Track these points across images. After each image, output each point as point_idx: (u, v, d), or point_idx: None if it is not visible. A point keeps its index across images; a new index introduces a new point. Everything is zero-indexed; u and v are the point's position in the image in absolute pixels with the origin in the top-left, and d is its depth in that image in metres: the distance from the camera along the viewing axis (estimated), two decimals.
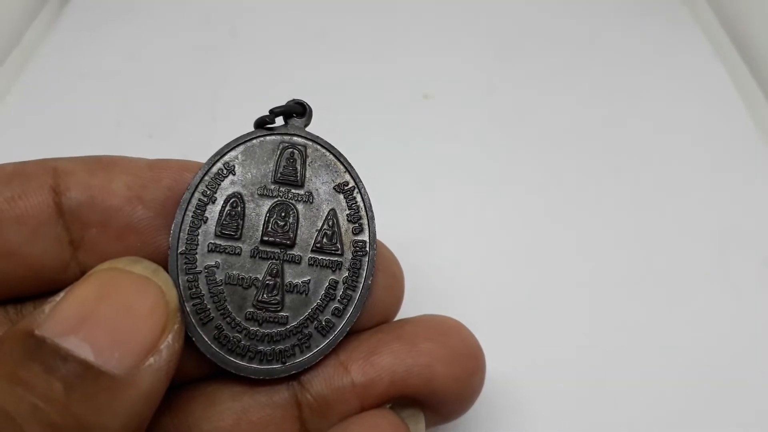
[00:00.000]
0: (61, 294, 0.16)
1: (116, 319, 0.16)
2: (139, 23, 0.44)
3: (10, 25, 0.43)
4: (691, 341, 0.28)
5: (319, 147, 0.22)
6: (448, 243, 0.32)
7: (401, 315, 0.22)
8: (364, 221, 0.21)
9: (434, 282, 0.30)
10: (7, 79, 0.40)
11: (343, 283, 0.21)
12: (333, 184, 0.21)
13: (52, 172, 0.19)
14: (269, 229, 0.20)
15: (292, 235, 0.21)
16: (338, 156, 0.22)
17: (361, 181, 0.21)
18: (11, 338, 0.15)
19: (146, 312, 0.17)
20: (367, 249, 0.21)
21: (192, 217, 0.20)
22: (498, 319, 0.29)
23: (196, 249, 0.20)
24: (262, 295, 0.20)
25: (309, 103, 0.22)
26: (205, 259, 0.20)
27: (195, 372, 0.20)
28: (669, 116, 0.38)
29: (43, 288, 0.20)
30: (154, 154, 0.21)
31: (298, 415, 0.20)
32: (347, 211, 0.21)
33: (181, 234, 0.20)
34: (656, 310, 0.30)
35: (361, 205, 0.21)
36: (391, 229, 0.24)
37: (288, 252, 0.20)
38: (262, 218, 0.21)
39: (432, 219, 0.33)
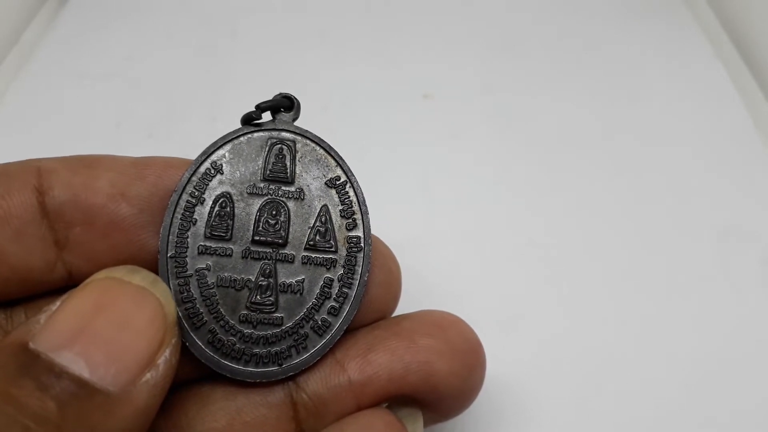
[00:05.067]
0: (57, 303, 0.16)
1: (113, 333, 0.15)
2: (139, 23, 0.44)
3: (8, 24, 0.43)
4: (692, 341, 0.28)
5: (308, 141, 0.21)
6: (447, 242, 0.32)
7: (398, 313, 0.22)
8: (358, 216, 0.21)
9: (432, 281, 0.30)
10: (6, 79, 0.40)
11: (339, 281, 0.20)
12: (324, 179, 0.21)
13: (35, 172, 0.19)
14: (260, 228, 0.20)
15: (283, 234, 0.20)
16: (328, 150, 0.21)
17: (353, 175, 0.21)
18: (4, 350, 0.15)
19: (144, 325, 0.16)
20: (362, 245, 0.20)
21: (180, 219, 0.20)
22: (497, 317, 0.29)
23: (185, 252, 0.20)
24: (256, 296, 0.20)
25: (297, 97, 0.21)
26: (195, 262, 0.20)
27: (189, 374, 0.20)
28: (669, 116, 0.38)
29: (31, 290, 0.20)
30: (154, 154, 0.21)
31: (294, 415, 0.20)
32: (340, 207, 0.21)
33: (170, 237, 0.20)
34: (656, 310, 0.29)
35: (354, 199, 0.21)
36: (388, 227, 0.24)
37: (280, 251, 0.20)
38: (253, 217, 0.20)
39: (430, 218, 0.33)
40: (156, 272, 0.19)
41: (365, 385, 0.19)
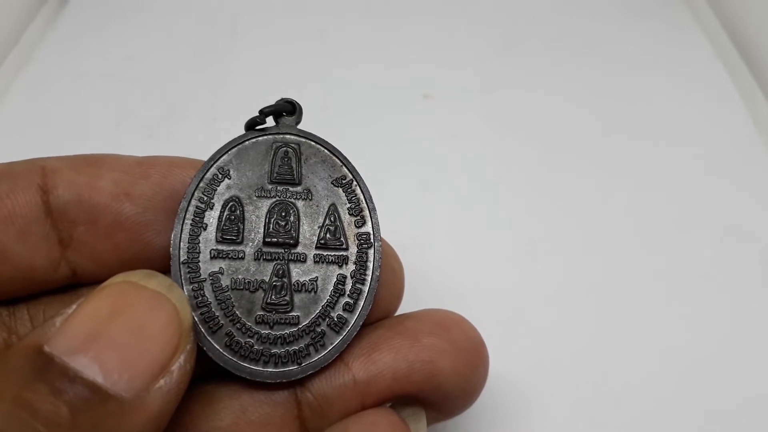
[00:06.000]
0: (73, 307, 0.16)
1: (127, 338, 0.15)
2: (139, 23, 0.44)
3: (8, 24, 0.43)
4: (692, 340, 0.28)
5: (312, 143, 0.21)
6: (447, 241, 0.32)
7: (401, 312, 0.22)
8: (366, 213, 0.21)
9: (432, 280, 0.30)
10: (6, 79, 0.40)
11: (352, 277, 0.20)
12: (331, 179, 0.21)
13: (39, 171, 0.19)
14: (271, 229, 0.20)
15: (294, 234, 0.20)
16: (333, 151, 0.21)
17: (358, 174, 0.21)
18: (19, 353, 0.15)
19: (159, 331, 0.16)
20: (372, 241, 0.21)
21: (191, 225, 0.20)
22: (497, 317, 0.29)
23: (198, 257, 0.20)
24: (271, 296, 0.20)
25: (299, 101, 0.22)
26: (208, 267, 0.20)
27: (195, 372, 0.20)
28: (669, 116, 0.38)
29: (35, 289, 0.20)
30: (154, 154, 0.21)
31: (298, 414, 0.19)
32: (348, 205, 0.21)
33: (182, 243, 0.20)
34: (657, 309, 0.30)
35: (361, 197, 0.21)
36: (390, 228, 0.24)
37: (292, 251, 0.20)
38: (263, 219, 0.20)
39: (430, 217, 0.33)
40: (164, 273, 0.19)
41: (369, 384, 0.19)
